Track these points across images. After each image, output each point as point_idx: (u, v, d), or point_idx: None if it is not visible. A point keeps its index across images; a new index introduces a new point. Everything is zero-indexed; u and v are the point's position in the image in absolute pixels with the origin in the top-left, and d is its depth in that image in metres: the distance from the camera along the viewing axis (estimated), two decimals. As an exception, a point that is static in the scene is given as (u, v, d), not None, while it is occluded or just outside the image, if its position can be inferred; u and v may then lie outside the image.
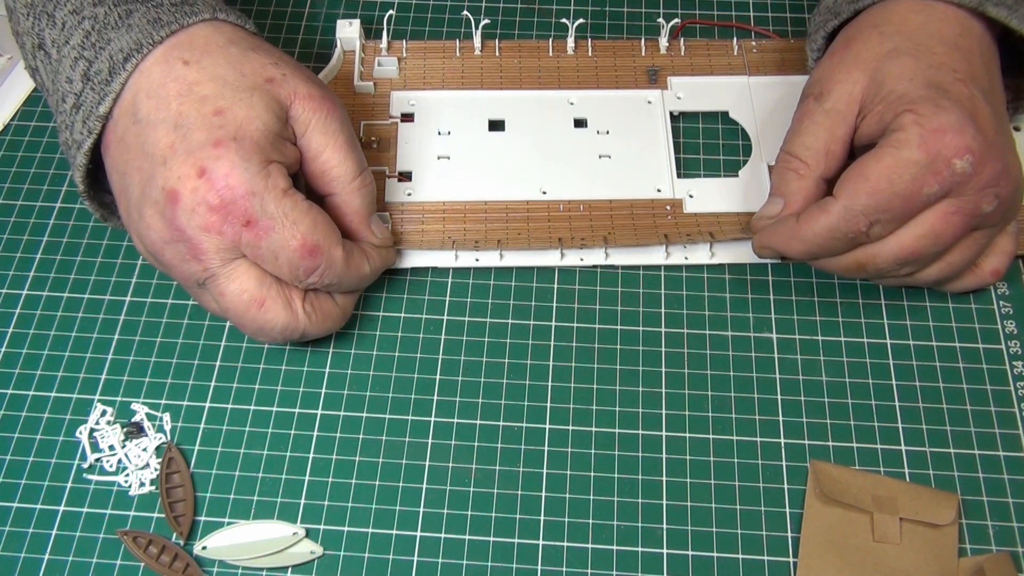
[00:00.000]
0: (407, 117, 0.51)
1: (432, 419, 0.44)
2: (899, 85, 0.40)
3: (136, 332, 0.46)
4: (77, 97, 0.39)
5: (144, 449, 0.43)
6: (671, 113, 0.51)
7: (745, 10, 0.56)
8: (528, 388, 0.44)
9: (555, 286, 0.47)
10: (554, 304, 0.47)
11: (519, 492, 0.42)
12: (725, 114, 0.51)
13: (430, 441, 0.43)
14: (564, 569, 0.40)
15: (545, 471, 0.42)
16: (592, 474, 0.42)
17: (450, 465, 0.43)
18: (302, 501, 0.42)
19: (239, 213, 0.37)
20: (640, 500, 0.42)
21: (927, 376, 0.45)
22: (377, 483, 0.42)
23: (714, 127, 0.52)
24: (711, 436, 0.43)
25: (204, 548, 0.41)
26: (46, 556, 0.41)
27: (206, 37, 0.39)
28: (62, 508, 0.42)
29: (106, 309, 0.47)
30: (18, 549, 0.41)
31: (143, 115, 0.38)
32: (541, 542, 0.41)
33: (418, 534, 0.41)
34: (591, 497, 0.42)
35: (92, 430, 0.43)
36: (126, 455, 0.43)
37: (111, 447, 0.43)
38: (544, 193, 0.48)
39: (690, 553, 0.41)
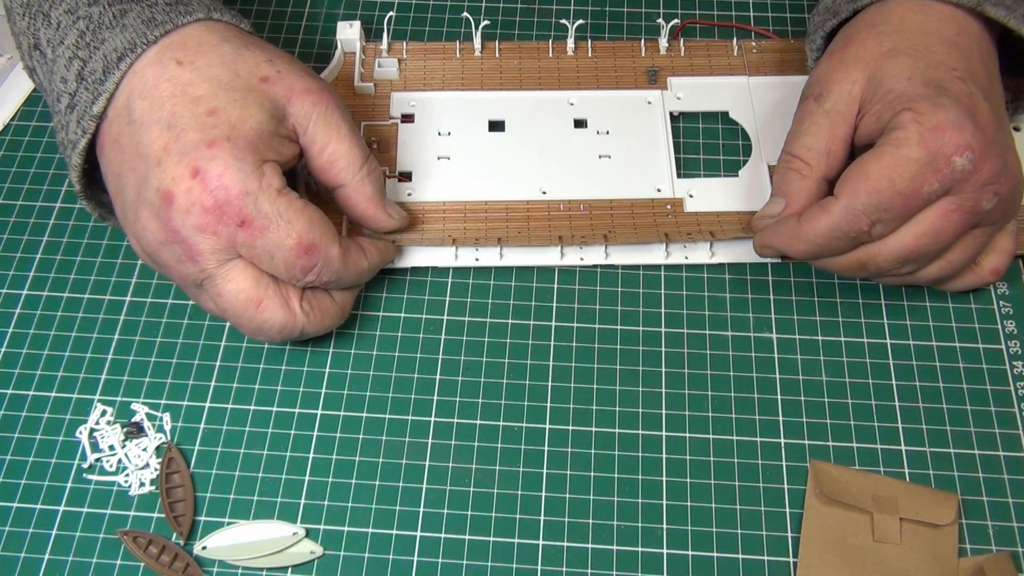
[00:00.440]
0: (407, 118, 0.51)
1: (432, 419, 0.44)
2: (898, 84, 0.40)
3: (136, 332, 0.46)
4: (71, 97, 0.39)
5: (144, 449, 0.43)
6: (671, 113, 0.51)
7: (745, 10, 0.56)
8: (528, 388, 0.44)
9: (555, 286, 0.47)
10: (554, 304, 0.47)
11: (519, 492, 0.42)
12: (725, 114, 0.51)
13: (430, 441, 0.43)
14: (564, 569, 0.40)
15: (545, 471, 0.42)
16: (592, 474, 0.42)
17: (450, 465, 0.43)
18: (302, 501, 0.42)
19: (234, 213, 0.37)
20: (640, 500, 0.42)
21: (927, 376, 0.45)
22: (377, 483, 0.42)
23: (714, 127, 0.52)
24: (711, 436, 0.43)
25: (204, 548, 0.41)
26: (46, 556, 0.41)
27: (199, 36, 0.39)
28: (62, 508, 0.42)
29: (106, 309, 0.47)
30: (18, 549, 0.41)
31: (137, 116, 0.38)
32: (541, 542, 0.41)
33: (418, 534, 0.41)
34: (591, 497, 0.42)
35: (92, 430, 0.43)
36: (126, 455, 0.43)
37: (111, 447, 0.43)
38: (544, 193, 0.48)
39: (690, 553, 0.41)
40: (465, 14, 0.53)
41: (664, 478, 0.42)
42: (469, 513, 0.42)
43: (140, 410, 0.44)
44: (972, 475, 0.42)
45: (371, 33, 0.55)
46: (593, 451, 0.43)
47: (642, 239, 0.47)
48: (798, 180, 0.42)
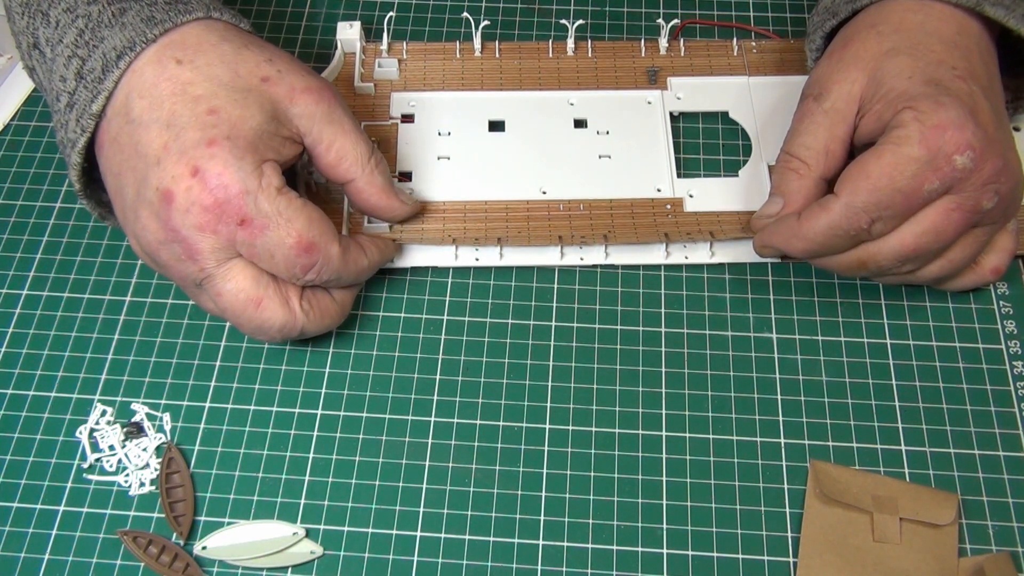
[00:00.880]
0: (407, 118, 0.51)
1: (432, 419, 0.44)
2: (898, 83, 0.40)
3: (136, 332, 0.46)
4: (71, 96, 0.39)
5: (144, 449, 0.43)
6: (671, 113, 0.51)
7: (745, 10, 0.56)
8: (528, 388, 0.44)
9: (555, 286, 0.47)
10: (554, 304, 0.47)
11: (519, 492, 0.42)
12: (725, 114, 0.51)
13: (430, 441, 0.43)
14: (564, 569, 0.40)
15: (545, 471, 0.42)
16: (592, 474, 0.42)
17: (450, 465, 0.43)
18: (302, 501, 0.42)
19: (233, 212, 0.37)
20: (640, 500, 0.42)
21: (927, 376, 0.45)
22: (377, 483, 0.42)
23: (714, 127, 0.52)
24: (711, 436, 0.43)
25: (204, 548, 0.41)
26: (46, 556, 0.41)
27: (199, 35, 0.39)
28: (62, 508, 0.42)
29: (106, 309, 0.47)
30: (18, 549, 0.41)
31: (136, 115, 0.38)
32: (541, 542, 0.41)
33: (418, 534, 0.41)
34: (591, 497, 0.42)
35: (92, 430, 0.43)
36: (126, 455, 0.43)
37: (111, 447, 0.43)
38: (544, 193, 0.48)
39: (690, 553, 0.41)
40: (465, 14, 0.53)
41: (664, 478, 0.42)
42: (469, 513, 0.42)
43: (140, 410, 0.44)
44: (972, 475, 0.42)
45: (371, 33, 0.55)
46: (593, 451, 0.43)
47: (642, 239, 0.47)
48: (796, 179, 0.42)
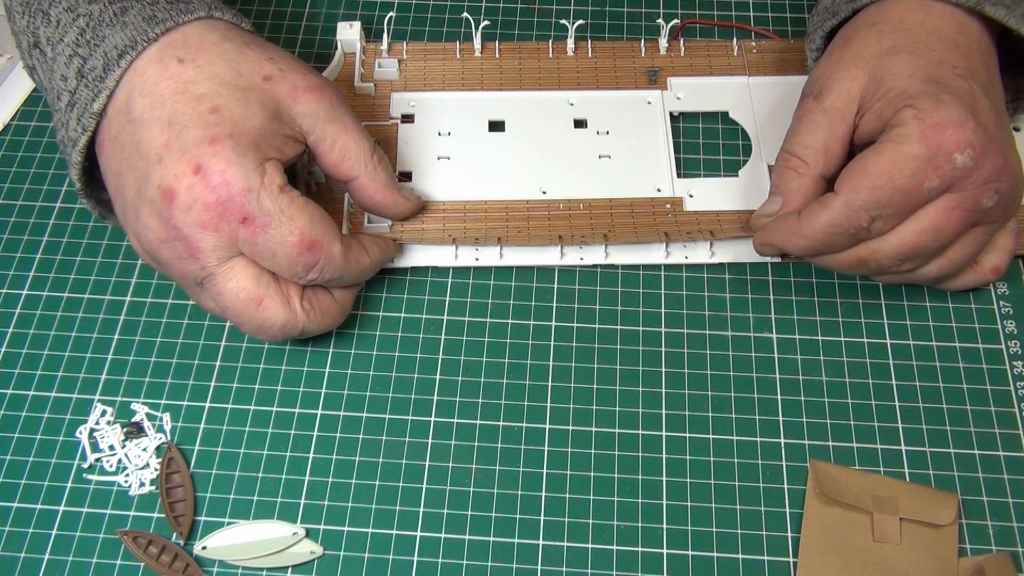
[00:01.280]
0: (407, 118, 0.51)
1: (432, 419, 0.44)
2: (898, 82, 0.40)
3: (136, 332, 0.46)
4: (72, 94, 0.39)
5: (144, 449, 0.43)
6: (671, 113, 0.51)
7: (745, 10, 0.56)
8: (528, 388, 0.44)
9: (555, 286, 0.47)
10: (554, 304, 0.47)
11: (519, 492, 0.42)
12: (725, 114, 0.51)
13: (430, 441, 0.43)
14: (564, 569, 0.40)
15: (545, 471, 0.42)
16: (592, 474, 0.42)
17: (450, 465, 0.43)
18: (302, 501, 0.42)
19: (236, 210, 0.37)
20: (640, 500, 0.42)
21: (927, 376, 0.44)
22: (377, 483, 0.42)
23: (714, 127, 0.52)
24: (711, 436, 0.43)
25: (204, 548, 0.41)
26: (46, 556, 0.41)
27: (201, 35, 0.39)
28: (62, 508, 0.42)
29: (106, 309, 0.47)
30: (18, 549, 0.41)
31: (137, 114, 0.38)
32: (541, 542, 0.41)
33: (418, 534, 0.41)
34: (591, 497, 0.42)
35: (92, 430, 0.43)
36: (126, 455, 0.43)
37: (111, 447, 0.43)
38: (544, 193, 0.48)
39: (690, 553, 0.41)
40: (465, 14, 0.53)
41: (664, 478, 0.42)
42: (469, 513, 0.42)
43: (140, 410, 0.44)
44: (972, 475, 0.42)
45: (371, 33, 0.55)
46: (593, 451, 0.43)
47: (642, 239, 0.47)
48: (795, 178, 0.43)
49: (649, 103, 0.51)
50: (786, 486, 0.42)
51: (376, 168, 0.43)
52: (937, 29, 0.41)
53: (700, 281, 0.47)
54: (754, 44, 0.53)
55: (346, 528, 0.41)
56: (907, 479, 0.42)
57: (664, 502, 0.42)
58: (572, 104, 0.51)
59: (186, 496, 0.42)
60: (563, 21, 0.54)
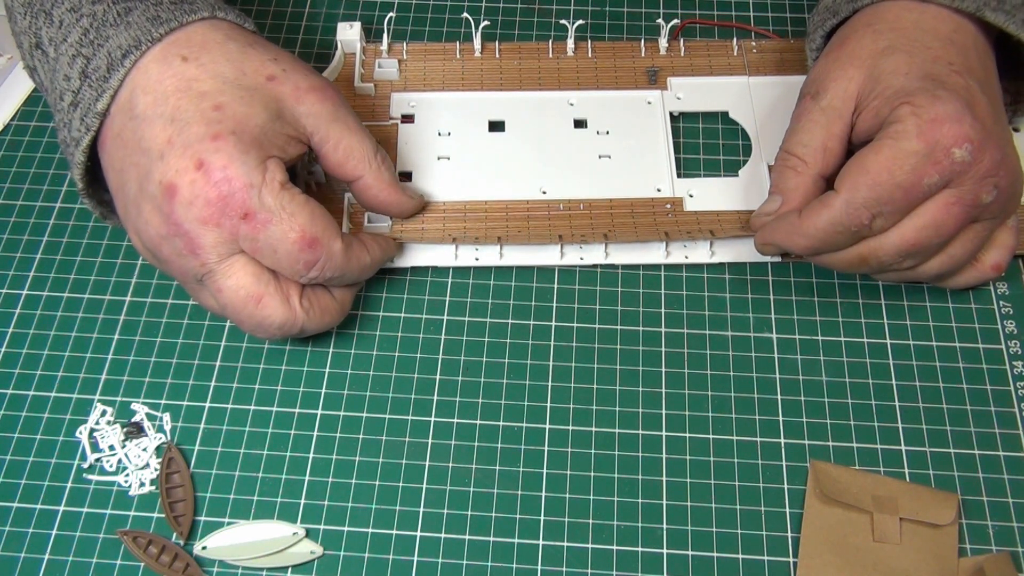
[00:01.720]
0: (407, 118, 0.51)
1: (432, 419, 0.44)
2: (895, 79, 0.40)
3: (136, 332, 0.46)
4: (75, 94, 0.39)
5: (144, 449, 0.43)
6: (671, 113, 0.51)
7: (745, 10, 0.56)
8: (528, 388, 0.44)
9: (555, 286, 0.47)
10: (554, 304, 0.47)
11: (519, 492, 0.42)
12: (725, 114, 0.51)
13: (430, 441, 0.43)
14: (564, 569, 0.40)
15: (545, 471, 0.42)
16: (592, 474, 0.42)
17: (450, 465, 0.43)
18: (302, 501, 0.42)
19: (237, 206, 0.37)
20: (640, 500, 0.42)
21: (927, 376, 0.44)
22: (377, 483, 0.42)
23: (714, 127, 0.52)
24: (711, 436, 0.43)
25: (204, 548, 0.41)
26: (46, 556, 0.41)
27: (204, 34, 0.39)
28: (62, 508, 0.42)
29: (106, 309, 0.47)
30: (18, 549, 0.41)
31: (140, 111, 0.38)
32: (541, 542, 0.41)
33: (418, 534, 0.41)
34: (591, 497, 0.42)
35: (92, 430, 0.43)
36: (126, 455, 0.43)
37: (111, 447, 0.43)
38: (544, 193, 0.48)
39: (690, 553, 0.41)
40: (465, 14, 0.53)
41: (664, 478, 0.42)
42: (469, 513, 0.42)
43: (140, 410, 0.44)
44: (972, 475, 0.42)
45: (371, 34, 0.55)
46: (593, 451, 0.43)
47: (642, 237, 0.47)
48: (794, 177, 0.43)
49: (649, 103, 0.51)
50: (786, 486, 0.42)
51: (380, 167, 0.43)
52: (932, 28, 0.41)
53: (700, 281, 0.47)
54: (754, 44, 0.53)
55: (346, 528, 0.41)
56: (907, 479, 0.42)
57: (664, 502, 0.42)
58: (572, 104, 0.51)
59: (186, 496, 0.42)
60: (563, 21, 0.54)
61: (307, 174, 0.47)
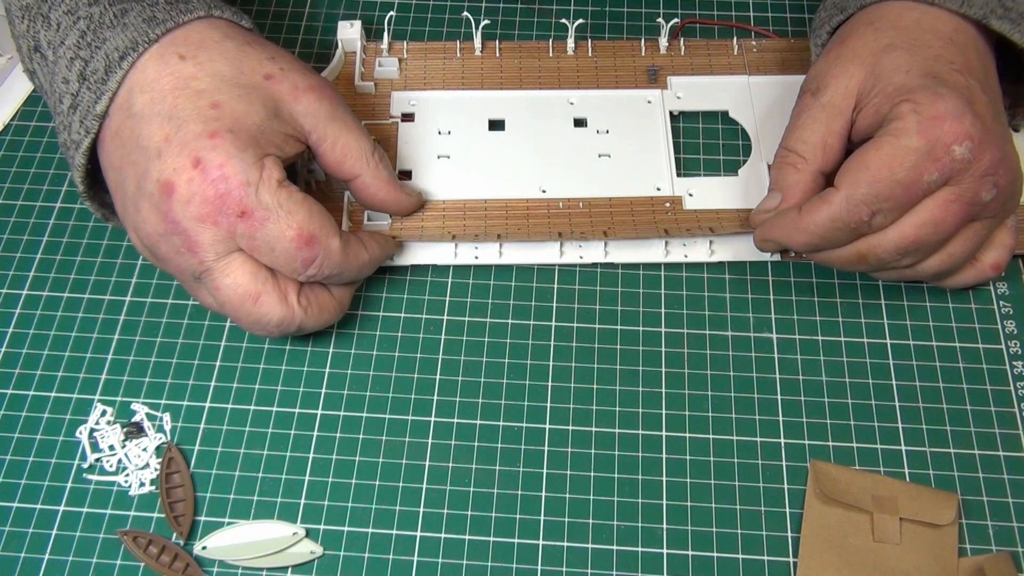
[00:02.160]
0: (407, 117, 0.51)
1: (432, 419, 0.44)
2: (896, 77, 0.40)
3: (136, 332, 0.46)
4: (74, 97, 0.39)
5: (144, 449, 0.43)
6: (671, 113, 0.51)
7: (745, 10, 0.56)
8: (528, 388, 0.44)
9: (555, 286, 0.47)
10: (554, 304, 0.47)
11: (519, 492, 0.42)
12: (725, 114, 0.51)
13: (430, 441, 0.43)
14: (564, 569, 0.40)
15: (545, 471, 0.42)
16: (592, 474, 0.42)
17: (450, 465, 0.43)
18: (302, 501, 0.42)
19: (234, 204, 0.37)
20: (640, 500, 0.42)
21: (927, 376, 0.44)
22: (377, 483, 0.42)
23: (714, 127, 0.52)
24: (711, 436, 0.43)
25: (204, 548, 0.41)
26: (46, 556, 0.41)
27: (201, 33, 0.39)
28: (62, 508, 0.42)
29: (106, 309, 0.47)
30: (18, 549, 0.41)
31: (137, 109, 0.38)
32: (541, 542, 0.41)
33: (418, 534, 0.41)
34: (591, 497, 0.42)
35: (92, 430, 0.43)
36: (126, 455, 0.43)
37: (111, 447, 0.43)
38: (544, 192, 0.48)
39: (690, 553, 0.41)
40: (465, 14, 0.53)
41: (664, 478, 0.42)
42: (469, 513, 0.42)
43: (140, 410, 0.44)
44: (972, 475, 0.42)
45: (371, 33, 0.55)
46: (593, 451, 0.43)
47: (641, 235, 0.47)
48: (794, 174, 0.43)
49: (649, 102, 0.51)
50: (786, 486, 0.42)
51: (378, 166, 0.43)
52: (933, 27, 0.41)
53: (700, 281, 0.47)
54: (754, 44, 0.53)
55: (346, 528, 0.41)
56: (907, 479, 0.42)
57: (664, 502, 0.42)
58: (572, 103, 0.51)
59: (186, 496, 0.42)
60: (563, 20, 0.54)
61: (307, 172, 0.47)
